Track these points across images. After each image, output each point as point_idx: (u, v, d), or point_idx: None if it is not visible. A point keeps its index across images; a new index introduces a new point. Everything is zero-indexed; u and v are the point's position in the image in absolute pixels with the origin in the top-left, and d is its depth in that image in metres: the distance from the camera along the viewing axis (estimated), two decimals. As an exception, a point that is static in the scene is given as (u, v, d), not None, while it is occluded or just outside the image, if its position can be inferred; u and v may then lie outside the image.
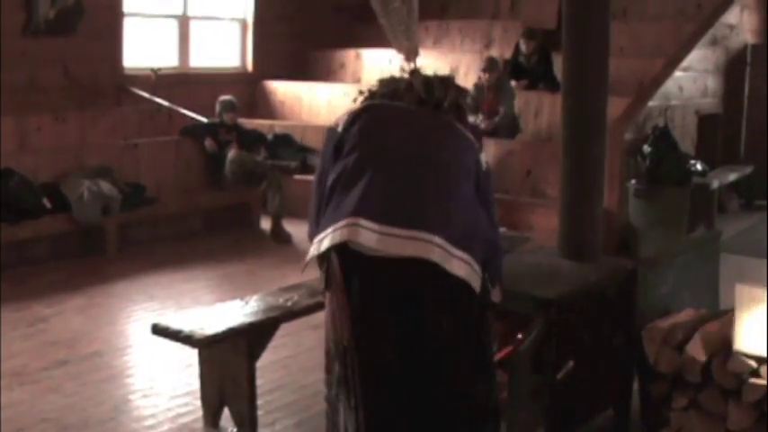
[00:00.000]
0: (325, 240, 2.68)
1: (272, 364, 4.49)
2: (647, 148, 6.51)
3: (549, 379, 3.23)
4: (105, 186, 6.99)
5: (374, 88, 2.99)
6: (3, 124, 7.14)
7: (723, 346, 3.42)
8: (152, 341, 4.12)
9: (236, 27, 10.13)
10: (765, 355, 3.31)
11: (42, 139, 7.53)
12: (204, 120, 8.50)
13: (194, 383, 4.05)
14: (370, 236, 2.61)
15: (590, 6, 3.68)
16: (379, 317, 2.71)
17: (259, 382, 3.83)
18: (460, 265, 2.61)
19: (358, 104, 2.95)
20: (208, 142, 8.05)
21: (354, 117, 2.86)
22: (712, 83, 8.89)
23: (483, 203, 2.84)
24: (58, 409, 4.10)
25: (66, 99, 8.13)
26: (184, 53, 9.51)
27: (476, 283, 2.66)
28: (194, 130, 8.27)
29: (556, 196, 3.88)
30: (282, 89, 10.13)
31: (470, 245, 2.66)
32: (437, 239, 2.60)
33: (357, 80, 10.00)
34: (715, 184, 7.68)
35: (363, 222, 2.63)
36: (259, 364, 3.78)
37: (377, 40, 9.60)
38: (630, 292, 3.65)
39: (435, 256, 2.59)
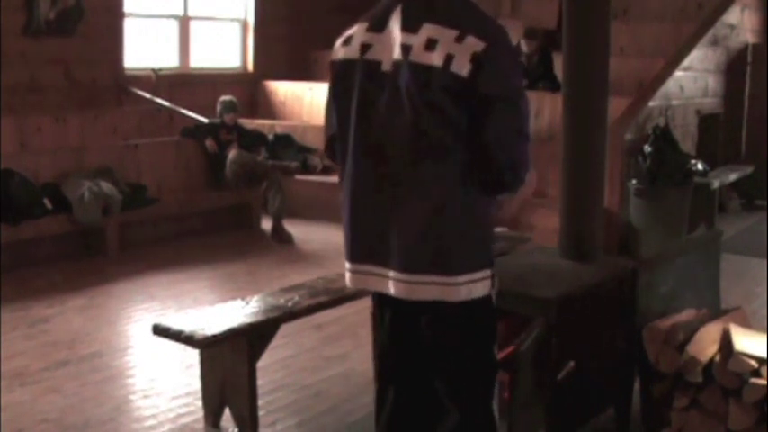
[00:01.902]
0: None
1: (272, 364, 4.50)
2: (647, 148, 6.51)
3: (549, 379, 3.23)
4: (106, 187, 6.99)
5: None
6: (3, 124, 7.15)
7: (724, 346, 3.42)
8: (153, 341, 4.12)
9: (237, 27, 10.14)
10: (766, 355, 3.32)
11: (43, 139, 7.54)
12: (205, 120, 8.50)
13: (195, 384, 4.05)
14: (356, 279, 2.67)
15: (590, 6, 3.68)
16: (386, 335, 2.76)
17: (260, 382, 3.83)
18: (450, 291, 2.51)
19: (341, 51, 2.65)
20: (208, 143, 8.06)
21: (337, 75, 2.65)
22: (713, 83, 8.89)
23: (484, 128, 2.42)
24: (59, 409, 4.11)
25: (67, 99, 8.14)
26: (185, 53, 9.51)
27: (472, 294, 2.53)
28: (195, 131, 8.27)
29: (556, 196, 3.87)
30: (283, 89, 10.13)
31: (452, 257, 2.51)
32: (424, 278, 2.50)
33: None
34: (716, 183, 7.68)
35: (349, 266, 2.67)
36: (260, 364, 3.78)
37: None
38: (630, 292, 3.65)
39: (427, 293, 2.52)
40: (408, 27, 2.47)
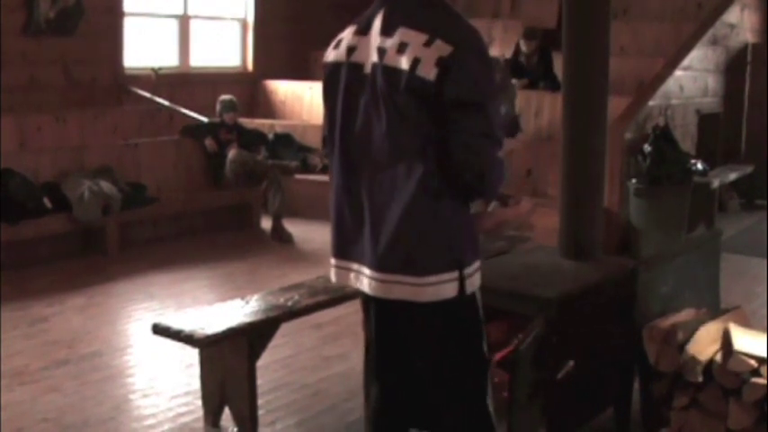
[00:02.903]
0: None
1: (272, 363, 4.50)
2: (647, 148, 6.49)
3: (549, 379, 3.23)
4: (106, 186, 6.99)
5: None
6: (3, 124, 7.15)
7: (724, 345, 3.42)
8: (152, 341, 4.12)
9: (237, 27, 10.14)
10: (766, 354, 3.32)
11: (43, 139, 7.54)
12: (205, 119, 8.50)
13: (195, 383, 4.05)
14: (338, 275, 2.74)
15: (590, 6, 3.68)
16: (372, 331, 2.78)
17: (259, 381, 3.83)
18: (418, 291, 2.53)
19: (331, 54, 2.67)
20: (208, 142, 8.06)
21: (326, 77, 2.68)
22: (713, 82, 8.90)
23: (450, 118, 2.43)
24: (59, 408, 4.11)
25: (67, 99, 8.14)
26: (185, 53, 9.51)
27: (439, 295, 2.53)
28: (195, 130, 8.27)
29: (556, 196, 3.87)
30: (283, 89, 10.14)
31: (420, 258, 2.52)
32: (395, 277, 2.53)
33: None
34: (715, 183, 7.67)
35: (333, 262, 2.75)
36: (259, 363, 3.78)
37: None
38: (630, 292, 3.65)
39: (399, 293, 2.54)
40: (386, 31, 2.52)
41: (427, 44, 2.42)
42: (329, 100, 2.68)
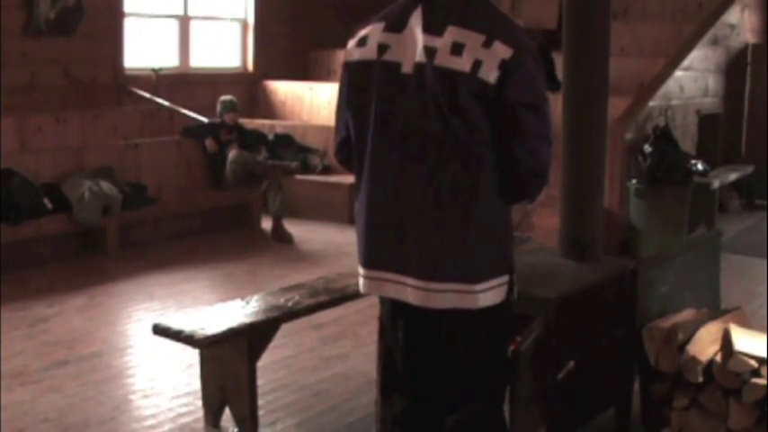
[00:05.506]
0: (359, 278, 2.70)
1: (272, 364, 4.50)
2: (647, 148, 6.51)
3: (549, 379, 3.23)
4: (106, 186, 6.99)
5: None
6: (3, 124, 7.15)
7: (724, 346, 3.42)
8: (153, 341, 4.12)
9: (237, 27, 10.14)
10: (766, 355, 3.32)
11: (43, 139, 7.54)
12: (205, 120, 8.50)
13: (195, 383, 4.05)
14: (371, 285, 2.62)
15: (590, 6, 3.68)
16: (401, 343, 2.71)
17: (260, 382, 3.83)
18: (468, 299, 2.48)
19: (356, 52, 2.55)
20: (208, 142, 8.06)
21: (352, 77, 2.57)
22: (713, 82, 8.90)
23: (506, 130, 2.40)
24: (59, 409, 4.11)
25: (67, 99, 8.14)
26: (185, 53, 9.51)
27: (488, 301, 2.51)
28: (195, 131, 8.27)
29: (556, 196, 3.87)
30: (283, 89, 10.13)
31: (474, 265, 2.47)
32: (442, 286, 2.47)
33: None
34: (716, 183, 7.68)
35: (364, 272, 2.63)
36: (260, 364, 3.78)
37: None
38: (630, 292, 3.65)
39: (445, 302, 2.48)
40: (431, 29, 2.41)
41: (486, 45, 2.35)
42: (357, 102, 2.54)
